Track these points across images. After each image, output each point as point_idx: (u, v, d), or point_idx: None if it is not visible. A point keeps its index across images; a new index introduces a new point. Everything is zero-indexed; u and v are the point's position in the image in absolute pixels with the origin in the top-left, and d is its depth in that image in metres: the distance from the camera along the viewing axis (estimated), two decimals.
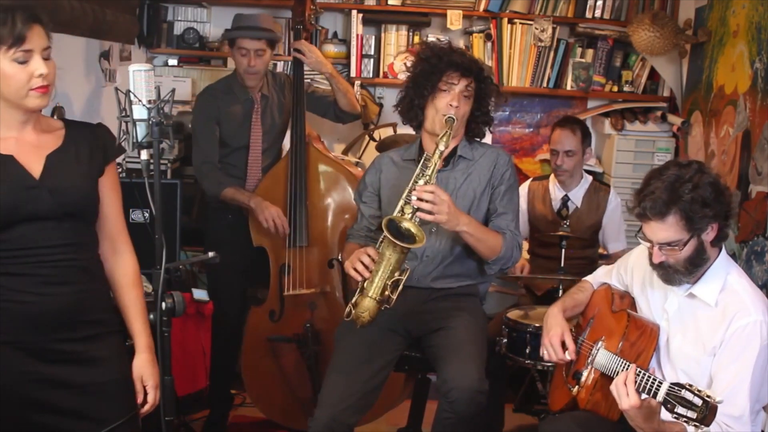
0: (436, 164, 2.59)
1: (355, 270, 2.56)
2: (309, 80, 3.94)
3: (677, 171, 2.16)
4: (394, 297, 2.52)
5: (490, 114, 2.88)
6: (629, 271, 2.52)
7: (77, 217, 2.02)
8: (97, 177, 2.07)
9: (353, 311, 2.54)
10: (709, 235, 2.17)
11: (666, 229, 2.14)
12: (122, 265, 2.13)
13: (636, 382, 2.06)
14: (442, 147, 2.59)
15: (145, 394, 2.10)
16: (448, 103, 2.70)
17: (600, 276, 2.67)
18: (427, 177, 2.58)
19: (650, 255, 2.22)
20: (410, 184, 2.60)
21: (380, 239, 2.57)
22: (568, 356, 2.44)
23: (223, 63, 4.51)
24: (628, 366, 2.14)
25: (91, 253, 2.07)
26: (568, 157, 3.69)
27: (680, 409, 1.90)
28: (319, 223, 3.55)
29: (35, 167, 1.97)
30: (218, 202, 3.57)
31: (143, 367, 2.10)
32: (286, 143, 3.65)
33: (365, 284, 2.54)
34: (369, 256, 2.56)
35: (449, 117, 2.65)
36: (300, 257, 3.48)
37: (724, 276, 2.22)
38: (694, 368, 2.21)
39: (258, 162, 3.61)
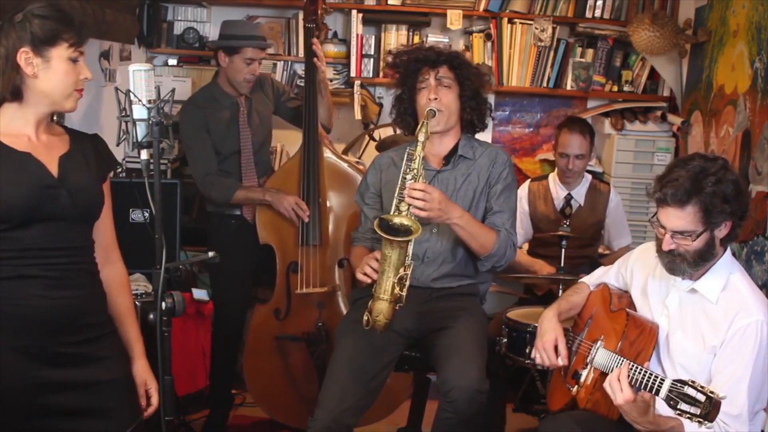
0: (420, 156, 2.61)
1: (364, 274, 2.58)
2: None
3: (703, 163, 2.17)
4: (404, 293, 2.52)
5: (482, 98, 2.89)
6: (629, 270, 2.52)
7: (87, 220, 2.05)
8: (102, 183, 2.10)
9: (369, 318, 2.54)
10: (721, 231, 2.19)
11: (683, 218, 2.15)
12: (115, 273, 2.17)
13: (631, 377, 2.09)
14: (421, 138, 2.62)
15: (148, 397, 2.14)
16: (427, 97, 2.77)
17: (597, 276, 2.68)
18: (414, 170, 2.61)
19: (659, 242, 2.23)
20: (399, 182, 2.63)
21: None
22: (561, 362, 2.45)
23: None
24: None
25: (92, 257, 2.09)
26: (578, 160, 3.67)
27: (683, 406, 1.91)
28: (331, 222, 3.56)
29: (52, 167, 1.98)
30: (222, 208, 3.57)
31: (145, 373, 2.15)
32: (289, 142, 3.64)
33: (375, 288, 2.55)
34: (376, 259, 2.57)
35: (429, 109, 2.72)
36: (312, 256, 3.49)
37: (727, 275, 2.23)
38: (694, 364, 2.22)
39: (251, 165, 3.61)
